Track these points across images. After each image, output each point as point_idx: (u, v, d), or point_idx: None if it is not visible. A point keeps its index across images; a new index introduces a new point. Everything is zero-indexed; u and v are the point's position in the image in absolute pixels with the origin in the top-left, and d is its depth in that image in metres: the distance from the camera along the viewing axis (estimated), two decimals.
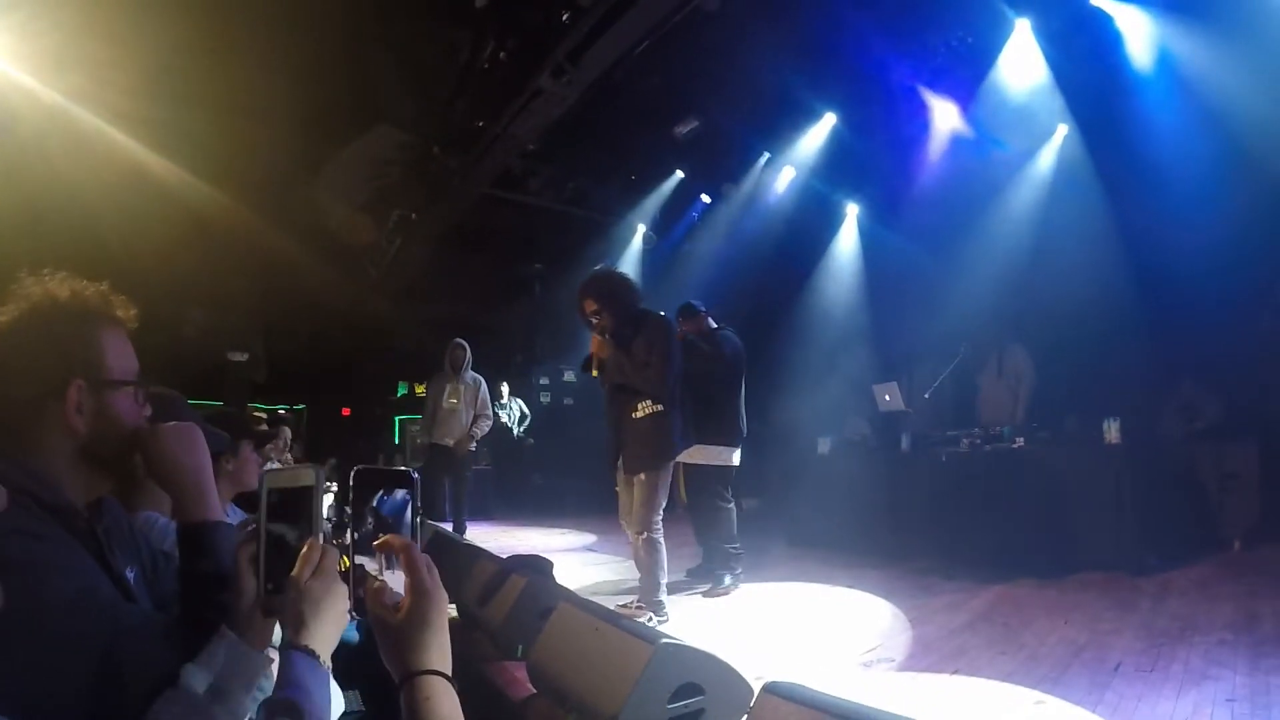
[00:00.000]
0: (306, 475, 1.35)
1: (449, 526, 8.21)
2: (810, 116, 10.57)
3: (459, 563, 4.34)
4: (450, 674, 1.20)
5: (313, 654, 1.19)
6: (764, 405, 10.29)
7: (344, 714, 2.26)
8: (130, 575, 1.43)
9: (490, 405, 9.32)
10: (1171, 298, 7.58)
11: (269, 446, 6.18)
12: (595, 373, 5.37)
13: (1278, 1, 6.84)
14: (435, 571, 1.27)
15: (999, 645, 4.21)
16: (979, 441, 7.15)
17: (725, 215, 12.74)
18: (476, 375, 9.15)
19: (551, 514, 12.24)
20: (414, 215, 12.46)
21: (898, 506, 7.42)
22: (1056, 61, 8.56)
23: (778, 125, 10.73)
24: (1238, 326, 7.52)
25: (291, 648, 1.18)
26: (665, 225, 13.78)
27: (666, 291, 11.39)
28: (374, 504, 1.38)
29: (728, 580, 6.12)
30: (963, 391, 8.62)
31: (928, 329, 9.42)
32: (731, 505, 6.42)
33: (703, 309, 6.83)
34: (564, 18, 7.91)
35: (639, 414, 5.13)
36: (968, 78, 9.05)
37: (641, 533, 5.05)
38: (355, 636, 2.62)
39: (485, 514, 11.92)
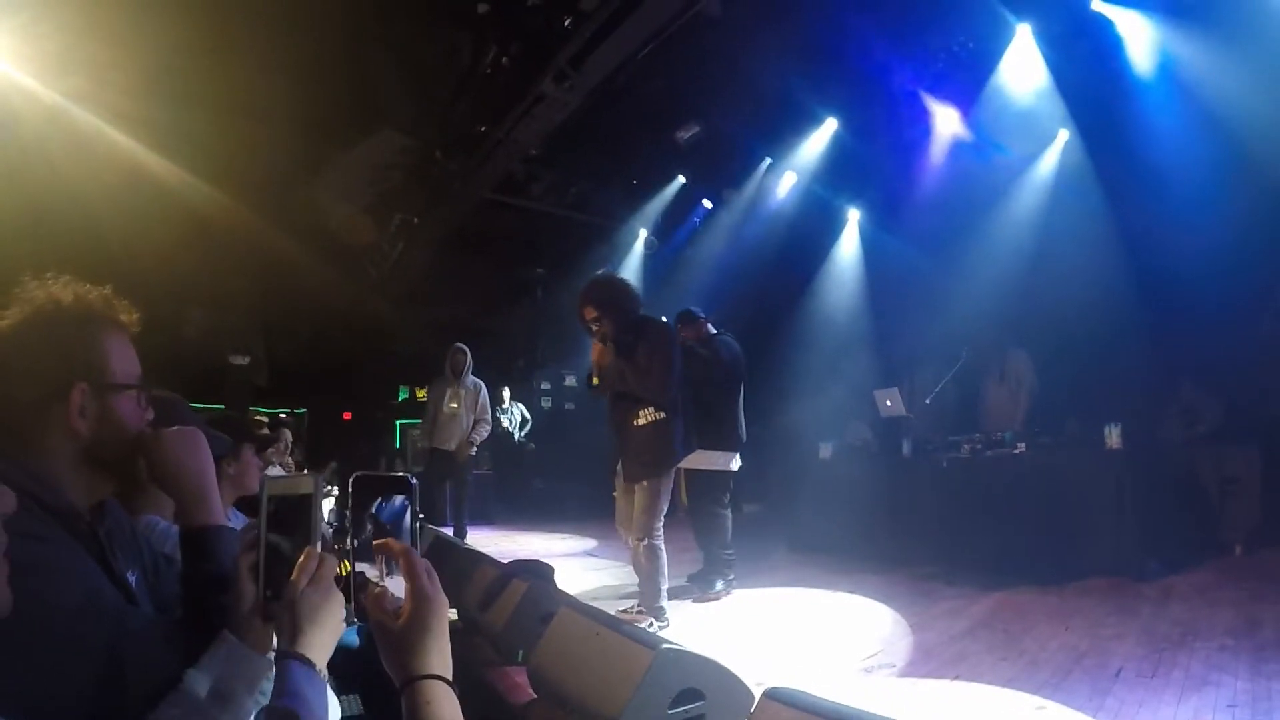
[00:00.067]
0: (306, 483, 1.35)
1: (449, 531, 8.21)
2: (812, 121, 10.58)
3: (460, 567, 4.34)
4: (451, 678, 1.20)
5: (309, 663, 1.19)
6: (766, 410, 10.30)
7: (344, 718, 2.26)
8: (132, 578, 1.43)
9: (490, 410, 9.32)
10: (1172, 302, 7.59)
11: (270, 450, 6.19)
12: (595, 380, 5.37)
13: (1277, 6, 6.84)
14: (435, 576, 1.27)
15: (1000, 651, 4.20)
16: (980, 447, 7.15)
17: (727, 220, 12.76)
18: (477, 380, 9.15)
19: (552, 519, 12.23)
20: (416, 219, 12.48)
21: (899, 512, 7.41)
22: (1057, 66, 8.57)
23: (779, 130, 10.73)
24: (1238, 330, 7.52)
25: (288, 657, 1.18)
26: (667, 230, 13.79)
27: (668, 296, 11.41)
28: (373, 510, 1.38)
29: (719, 585, 6.13)
30: (964, 396, 8.62)
31: (929, 334, 9.43)
32: (728, 512, 6.43)
33: (702, 315, 6.84)
34: (566, 23, 7.92)
35: (641, 421, 5.10)
36: (969, 82, 9.06)
37: (642, 539, 5.03)
38: (355, 641, 2.62)
39: (486, 518, 11.91)
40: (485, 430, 9.15)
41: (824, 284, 12.25)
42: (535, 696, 2.85)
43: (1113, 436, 6.13)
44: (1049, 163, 9.57)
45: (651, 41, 8.07)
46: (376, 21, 8.48)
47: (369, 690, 2.36)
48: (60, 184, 8.65)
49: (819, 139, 10.75)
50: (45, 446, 1.34)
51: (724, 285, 12.19)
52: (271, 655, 1.28)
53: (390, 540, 1.30)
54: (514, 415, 14.23)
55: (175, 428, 1.48)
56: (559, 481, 14.27)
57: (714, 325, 6.87)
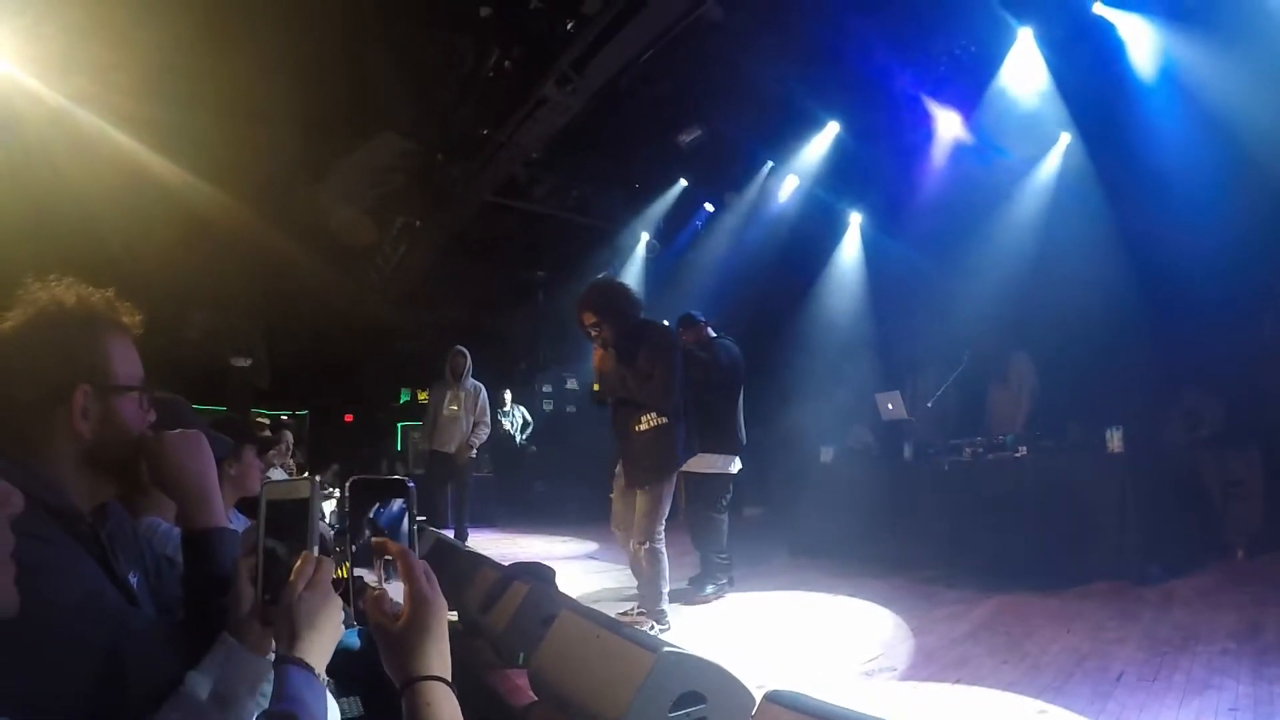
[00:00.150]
0: (304, 487, 1.35)
1: (450, 533, 8.21)
2: (813, 125, 10.58)
3: (461, 570, 4.34)
4: (450, 679, 1.21)
5: (308, 667, 1.19)
6: (767, 414, 10.29)
7: (345, 719, 2.26)
8: (134, 580, 1.43)
9: (489, 413, 9.31)
10: (1174, 304, 7.58)
11: (272, 452, 6.22)
12: (597, 386, 5.37)
13: (1278, 9, 6.84)
14: (434, 578, 1.27)
15: (1001, 654, 4.20)
16: (982, 450, 7.15)
17: (729, 224, 12.75)
18: (477, 383, 9.15)
19: (553, 521, 12.24)
20: (417, 222, 12.50)
21: (900, 515, 7.42)
22: (1059, 70, 8.57)
23: (781, 133, 10.73)
24: (1241, 333, 7.52)
25: (286, 661, 1.18)
26: (669, 233, 13.79)
27: (669, 300, 11.41)
28: (371, 515, 1.38)
29: (709, 589, 6.14)
30: (966, 400, 8.61)
31: (931, 337, 9.43)
32: (724, 516, 6.43)
33: (702, 318, 6.84)
34: (569, 26, 7.93)
35: (642, 426, 5.06)
36: (971, 86, 9.06)
37: (644, 542, 5.01)
38: (356, 643, 2.62)
39: (487, 521, 11.91)
40: (484, 433, 9.15)
41: (825, 287, 12.23)
42: (536, 699, 2.85)
43: (1114, 440, 6.12)
44: (1050, 166, 9.56)
45: (654, 45, 8.08)
46: (378, 24, 8.49)
47: (369, 692, 2.36)
48: (63, 185, 8.67)
49: (821, 142, 10.74)
50: (47, 448, 1.34)
51: (725, 289, 12.20)
52: (271, 658, 1.28)
53: (387, 541, 1.30)
54: (515, 418, 14.24)
55: (177, 430, 1.49)
56: (560, 484, 14.27)
57: (714, 329, 6.87)
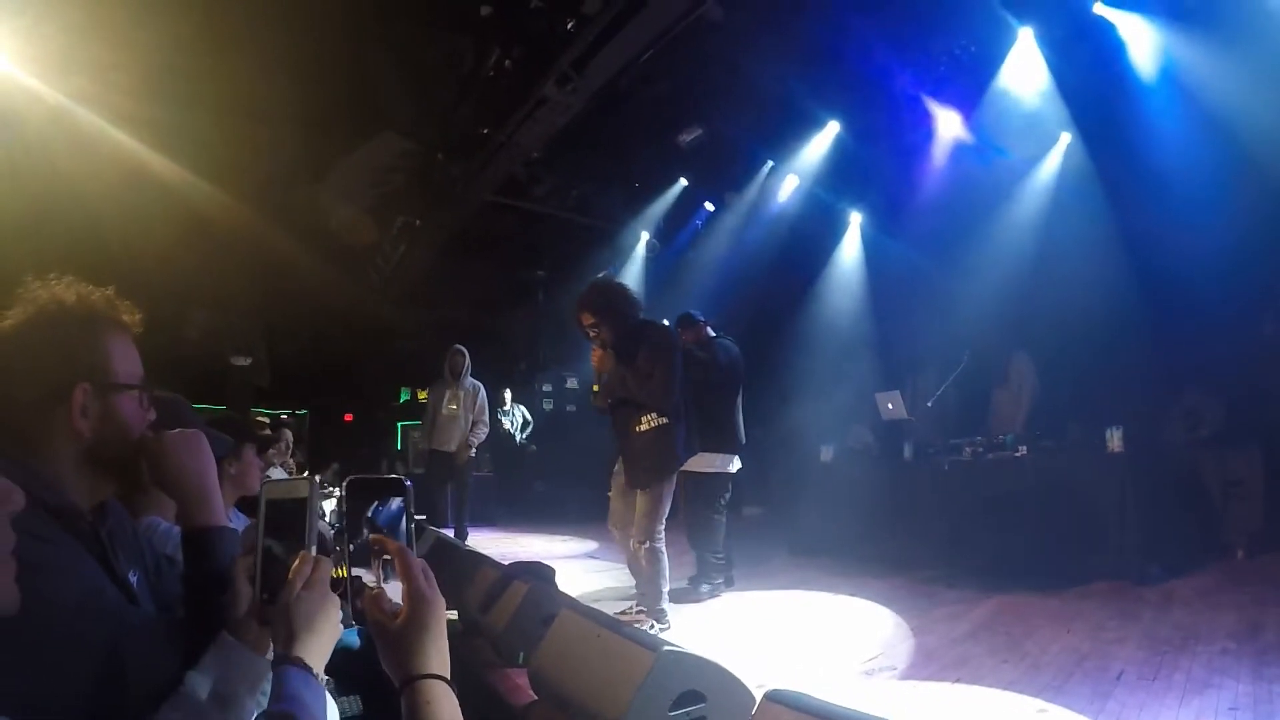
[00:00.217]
0: (302, 487, 1.36)
1: (450, 532, 8.21)
2: (814, 124, 10.57)
3: (461, 569, 4.34)
4: (450, 677, 1.21)
5: (306, 667, 1.19)
6: (767, 413, 10.28)
7: (345, 718, 2.26)
8: (133, 579, 1.43)
9: (488, 411, 9.31)
10: (1174, 304, 7.58)
11: (271, 451, 6.22)
12: (597, 388, 5.36)
13: (1278, 9, 6.84)
14: (432, 576, 1.27)
15: (1001, 654, 4.20)
16: (981, 450, 7.15)
17: (729, 223, 12.75)
18: (475, 381, 9.15)
19: (553, 521, 12.24)
20: (418, 221, 12.50)
21: (900, 515, 7.42)
22: (1059, 69, 8.56)
23: (781, 133, 10.73)
24: (1241, 333, 7.52)
25: (285, 661, 1.18)
26: (669, 233, 13.79)
27: (669, 299, 11.40)
28: (370, 514, 1.38)
29: (704, 589, 6.14)
30: (966, 400, 8.61)
31: (931, 337, 9.44)
32: (722, 517, 6.42)
33: (701, 318, 6.84)
34: (569, 26, 7.93)
35: (643, 427, 5.04)
36: (971, 86, 9.05)
37: (644, 542, 5.00)
38: (356, 642, 2.62)
39: (487, 520, 11.92)
40: (483, 432, 9.15)
41: (826, 287, 12.22)
42: (536, 698, 2.85)
43: (1114, 439, 6.12)
44: (1051, 166, 9.56)
45: (654, 45, 8.08)
46: (378, 23, 8.50)
47: (369, 691, 2.36)
48: (63, 184, 8.68)
49: (821, 142, 10.74)
50: (47, 447, 1.34)
51: (726, 288, 12.20)
52: (271, 657, 1.28)
53: (385, 539, 1.30)
54: (515, 417, 14.23)
55: (177, 430, 1.49)
56: (560, 484, 14.27)
57: (713, 328, 6.87)
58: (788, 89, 9.47)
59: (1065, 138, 9.37)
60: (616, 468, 5.34)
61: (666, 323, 6.49)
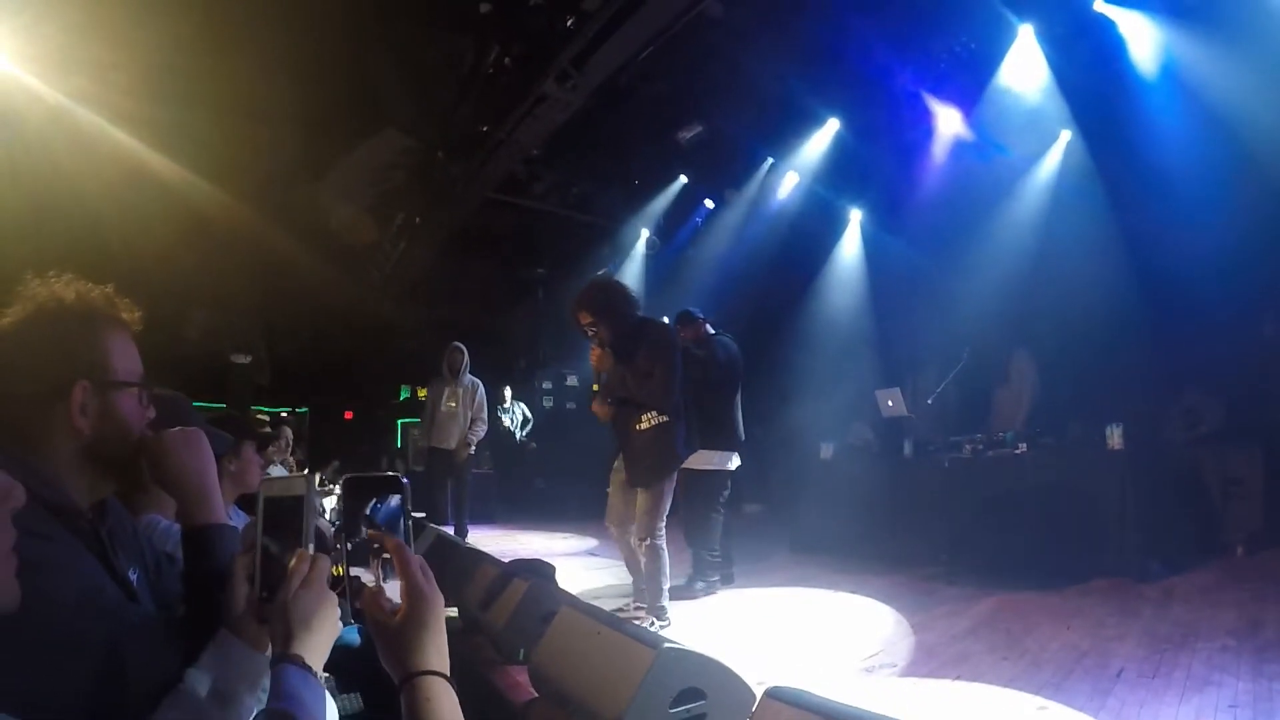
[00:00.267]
0: (299, 484, 1.36)
1: (450, 529, 8.21)
2: (814, 122, 10.57)
3: (461, 567, 4.34)
4: (449, 674, 1.21)
5: (305, 665, 1.19)
6: (767, 410, 10.28)
7: (345, 715, 2.26)
8: (133, 577, 1.43)
9: (486, 408, 9.28)
10: (1174, 302, 7.57)
11: (271, 448, 6.21)
12: (596, 387, 5.35)
13: (1279, 6, 6.84)
14: (430, 573, 1.27)
15: (1001, 651, 4.20)
16: (981, 447, 7.15)
17: (729, 220, 12.75)
18: (474, 379, 9.14)
19: (553, 518, 12.24)
20: (417, 219, 12.50)
21: (900, 512, 7.42)
22: (1060, 67, 8.56)
23: (781, 130, 10.73)
24: (1241, 331, 7.52)
25: (283, 660, 1.18)
26: (669, 230, 13.79)
27: (669, 296, 11.42)
28: (368, 512, 1.37)
29: (699, 586, 6.14)
30: (966, 397, 8.60)
31: (931, 334, 9.43)
32: (719, 515, 6.42)
33: (700, 315, 6.84)
34: (568, 23, 7.93)
35: (643, 425, 5.04)
36: (971, 83, 9.05)
37: (645, 539, 5.01)
38: (356, 640, 2.62)
39: (487, 518, 11.92)
40: (481, 429, 9.13)
41: (826, 284, 12.22)
42: (536, 695, 2.85)
43: (1115, 437, 6.12)
44: (1051, 163, 9.56)
45: (654, 42, 8.08)
46: (378, 22, 8.50)
47: (370, 689, 2.36)
48: (63, 183, 8.68)
49: (821, 139, 10.74)
50: (46, 444, 1.34)
51: (726, 285, 12.20)
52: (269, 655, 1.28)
53: (383, 535, 1.30)
54: (515, 415, 14.23)
55: (176, 428, 1.49)
56: (560, 481, 14.27)
57: (712, 326, 6.87)
58: (788, 86, 9.47)
59: (1065, 135, 9.36)
60: (616, 464, 5.33)
61: (668, 319, 6.51)
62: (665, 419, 5.01)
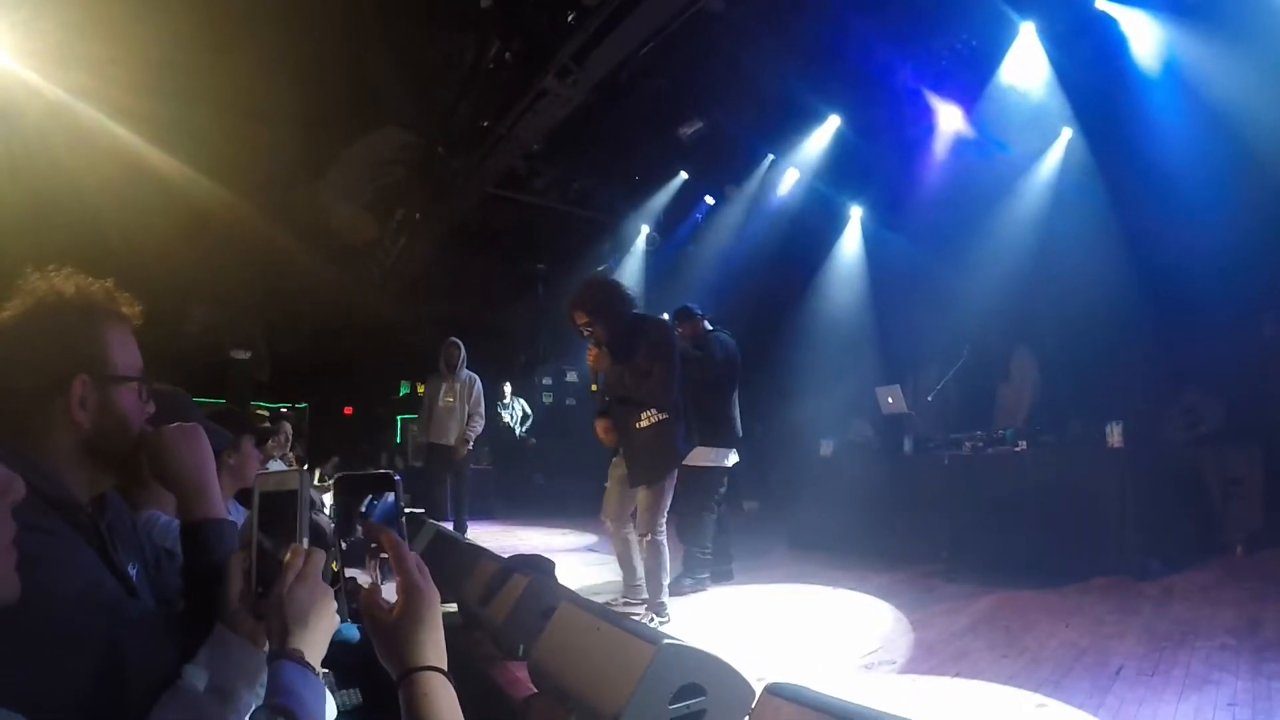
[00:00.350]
0: (293, 479, 1.35)
1: (450, 525, 8.21)
2: (814, 119, 10.57)
3: (461, 562, 4.35)
4: (447, 670, 1.20)
5: (302, 660, 1.19)
6: (767, 407, 10.30)
7: (344, 711, 2.26)
8: (133, 571, 1.43)
9: (484, 403, 9.27)
10: (1175, 301, 7.57)
11: (270, 443, 6.22)
12: (595, 386, 5.35)
13: None
14: (425, 569, 1.27)
15: (1000, 648, 4.20)
16: (981, 445, 7.14)
17: (729, 217, 12.74)
18: (471, 373, 9.13)
19: (553, 514, 12.24)
20: (417, 215, 12.49)
21: (900, 509, 7.42)
22: (1061, 64, 8.56)
23: (782, 127, 10.73)
24: (1241, 331, 7.52)
25: (280, 656, 1.18)
26: (669, 226, 13.80)
27: (669, 293, 11.41)
28: (363, 509, 1.37)
29: (686, 583, 6.13)
30: (967, 394, 8.61)
31: (931, 332, 9.43)
32: (713, 514, 6.40)
33: (699, 311, 6.83)
34: (569, 18, 7.92)
35: (643, 424, 5.02)
36: (972, 80, 9.05)
37: (645, 534, 5.02)
38: (355, 635, 2.62)
39: (487, 514, 11.92)
40: (479, 424, 9.12)
41: (826, 281, 12.23)
42: (536, 691, 2.86)
43: (1115, 435, 6.12)
44: (1052, 161, 9.55)
45: (654, 37, 8.07)
46: (378, 19, 8.49)
47: (369, 684, 2.36)
48: (62, 178, 8.67)
49: (821, 136, 10.74)
50: (46, 438, 1.34)
51: (726, 282, 12.20)
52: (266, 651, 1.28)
53: (380, 529, 1.29)
54: (515, 411, 14.24)
55: (175, 424, 1.48)
56: (560, 477, 14.27)
57: (711, 322, 6.86)
58: (788, 82, 9.47)
59: (1066, 133, 9.36)
60: (616, 458, 5.33)
61: (667, 316, 6.50)
62: (665, 416, 4.99)
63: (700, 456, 6.01)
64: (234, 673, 1.25)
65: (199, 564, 1.41)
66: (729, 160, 11.93)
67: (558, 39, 8.14)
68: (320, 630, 1.25)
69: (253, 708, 1.25)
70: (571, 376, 16.70)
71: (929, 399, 8.16)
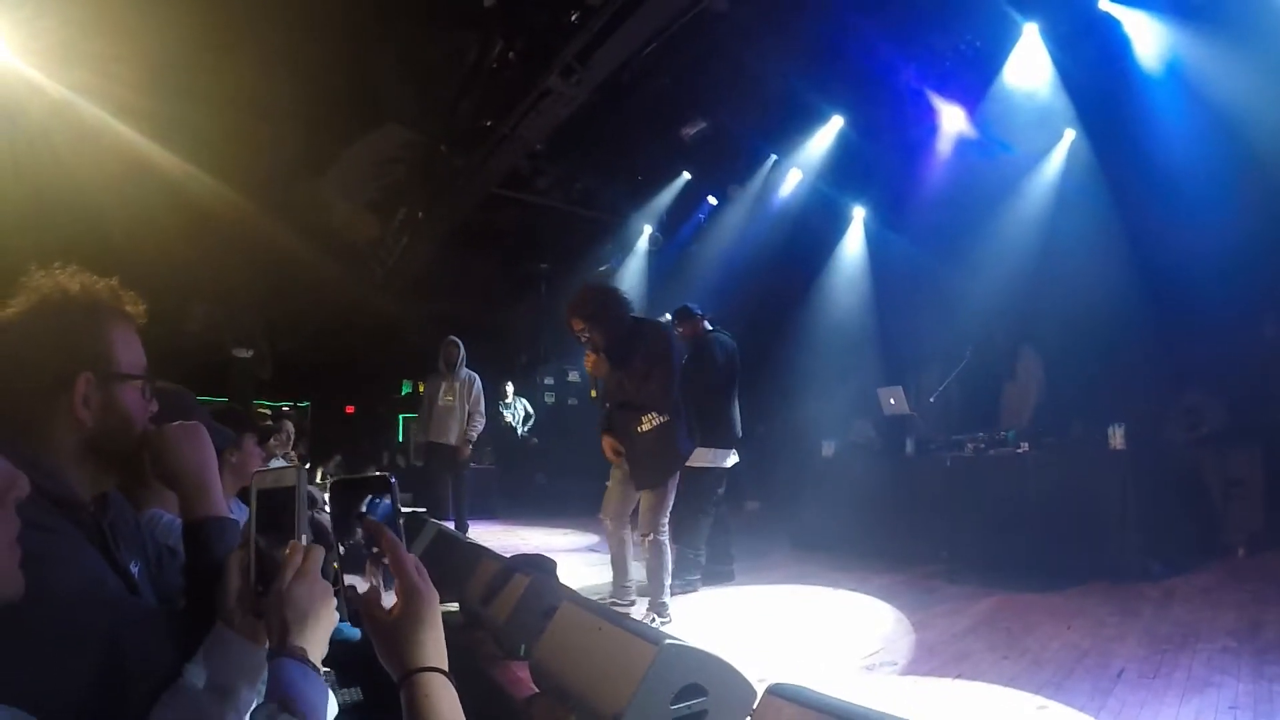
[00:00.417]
0: (290, 475, 1.35)
1: (452, 525, 8.22)
2: (817, 119, 10.57)
3: (462, 562, 4.35)
4: (447, 670, 1.20)
5: (302, 657, 1.19)
6: (769, 408, 10.29)
7: (344, 707, 2.26)
8: (135, 569, 1.43)
9: (484, 402, 9.26)
10: (1176, 302, 7.57)
11: (273, 441, 6.22)
12: (595, 393, 5.35)
13: None
14: (424, 570, 1.27)
15: (1002, 650, 4.20)
16: (983, 446, 7.14)
17: (732, 217, 12.74)
18: (471, 372, 9.13)
19: (555, 514, 12.23)
20: (420, 214, 12.49)
21: (902, 510, 7.42)
22: (1064, 65, 8.56)
23: (785, 127, 10.73)
24: (1243, 332, 7.51)
25: (280, 653, 1.18)
26: (671, 226, 13.79)
27: (672, 292, 11.41)
28: (363, 510, 1.37)
29: (675, 585, 6.10)
30: (969, 395, 8.61)
31: (934, 333, 9.42)
32: (710, 513, 6.40)
33: (699, 311, 6.82)
34: (573, 18, 7.91)
35: (644, 427, 5.02)
36: (975, 81, 9.05)
37: (648, 534, 5.03)
38: (357, 634, 2.63)
39: (489, 513, 11.92)
40: (480, 423, 9.13)
41: (829, 282, 12.22)
42: (537, 691, 2.86)
43: (1116, 437, 6.11)
44: (1055, 162, 9.55)
45: (658, 37, 8.07)
46: (380, 18, 8.49)
47: (370, 683, 2.36)
48: (64, 176, 8.67)
49: (825, 136, 10.74)
50: (49, 436, 1.34)
51: (728, 282, 12.19)
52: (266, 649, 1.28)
53: (379, 528, 1.29)
54: (517, 410, 14.24)
55: (177, 422, 1.48)
56: (562, 477, 14.26)
57: (710, 322, 6.85)
58: (792, 83, 9.47)
59: (1070, 134, 9.35)
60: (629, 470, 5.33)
61: (669, 316, 6.50)
62: (666, 419, 5.00)
63: (698, 457, 5.99)
64: (234, 671, 1.25)
65: (201, 562, 1.41)
66: (732, 160, 11.93)
67: (561, 38, 8.13)
68: (320, 627, 1.25)
69: (253, 705, 1.25)
70: (573, 376, 16.69)
71: (931, 400, 8.16)
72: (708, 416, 6.09)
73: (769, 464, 10.42)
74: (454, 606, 4.24)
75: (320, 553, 1.30)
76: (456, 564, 4.39)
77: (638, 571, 5.43)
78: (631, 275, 14.14)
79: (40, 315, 1.36)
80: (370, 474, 1.46)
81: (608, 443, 5.24)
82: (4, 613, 1.01)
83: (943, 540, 6.82)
